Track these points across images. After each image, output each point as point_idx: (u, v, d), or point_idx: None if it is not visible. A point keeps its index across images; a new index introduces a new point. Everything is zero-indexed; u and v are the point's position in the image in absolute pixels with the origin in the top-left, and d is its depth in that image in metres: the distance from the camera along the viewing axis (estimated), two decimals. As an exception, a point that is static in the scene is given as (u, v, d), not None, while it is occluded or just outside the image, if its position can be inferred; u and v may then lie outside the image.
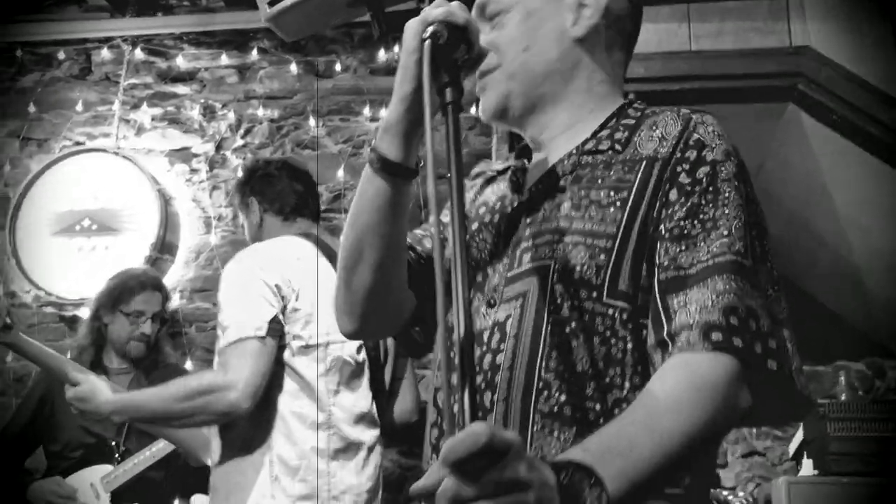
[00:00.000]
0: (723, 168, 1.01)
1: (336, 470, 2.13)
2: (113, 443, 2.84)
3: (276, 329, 2.12)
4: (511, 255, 1.09)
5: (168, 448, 2.80)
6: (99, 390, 2.21)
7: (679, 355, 0.94)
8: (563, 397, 0.98)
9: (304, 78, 3.79)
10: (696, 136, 1.03)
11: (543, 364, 1.00)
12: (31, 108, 3.82)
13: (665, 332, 0.96)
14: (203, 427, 2.36)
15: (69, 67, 3.91)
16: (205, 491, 3.00)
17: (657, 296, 0.99)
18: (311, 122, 3.71)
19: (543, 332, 1.01)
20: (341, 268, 1.14)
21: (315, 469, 2.07)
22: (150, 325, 2.95)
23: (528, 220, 1.09)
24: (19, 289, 3.61)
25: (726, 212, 0.99)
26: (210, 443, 2.28)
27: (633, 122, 1.11)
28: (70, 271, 3.58)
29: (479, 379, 1.03)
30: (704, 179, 1.00)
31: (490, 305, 1.07)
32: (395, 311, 1.18)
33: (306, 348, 2.15)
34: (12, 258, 3.61)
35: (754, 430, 3.67)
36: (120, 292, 2.95)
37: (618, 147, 1.08)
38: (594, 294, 1.00)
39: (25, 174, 3.73)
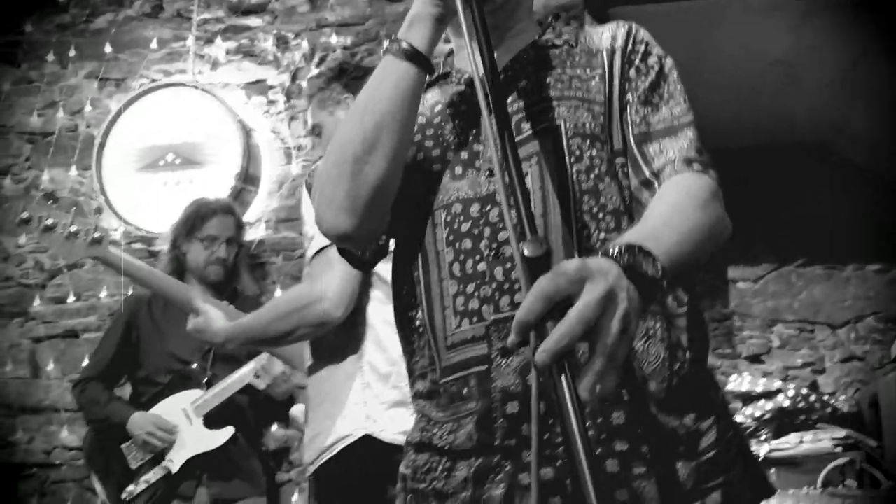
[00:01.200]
0: (666, 60, 1.24)
1: None
2: (198, 368, 2.87)
3: None
4: None
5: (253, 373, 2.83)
6: (212, 319, 2.20)
7: (671, 178, 1.12)
8: (602, 234, 1.11)
9: (374, 3, 3.76)
10: (640, 36, 1.25)
11: (577, 206, 1.11)
12: (107, 49, 3.85)
13: (648, 173, 1.15)
14: (304, 341, 2.36)
15: (141, 6, 3.93)
16: (285, 420, 3.02)
17: (633, 146, 1.17)
18: (385, 47, 3.67)
19: (570, 178, 1.13)
20: (348, 159, 1.13)
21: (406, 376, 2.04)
22: (226, 249, 3.00)
23: (509, 99, 1.19)
24: (108, 225, 3.66)
25: (678, 87, 1.21)
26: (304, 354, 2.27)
27: (571, 29, 1.30)
28: (157, 206, 3.63)
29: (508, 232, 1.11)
30: (655, 65, 1.22)
31: (492, 174, 1.16)
32: (383, 216, 1.19)
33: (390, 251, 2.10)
34: (101, 196, 3.67)
35: (852, 335, 3.61)
36: (193, 220, 3.01)
37: (571, 43, 1.26)
38: (604, 147, 1.16)
39: (106, 114, 3.77)
